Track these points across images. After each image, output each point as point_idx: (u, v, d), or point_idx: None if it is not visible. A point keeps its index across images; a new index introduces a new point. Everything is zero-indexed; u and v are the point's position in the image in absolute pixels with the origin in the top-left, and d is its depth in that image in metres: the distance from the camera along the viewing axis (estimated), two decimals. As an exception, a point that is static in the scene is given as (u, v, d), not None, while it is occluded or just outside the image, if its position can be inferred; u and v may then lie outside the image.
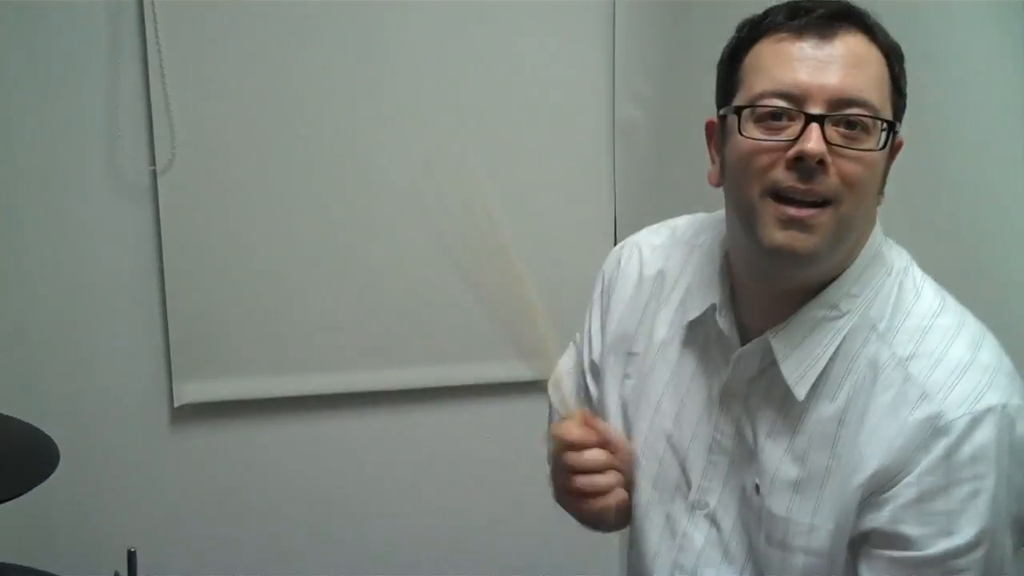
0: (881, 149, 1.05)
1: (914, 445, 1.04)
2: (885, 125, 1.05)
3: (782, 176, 1.04)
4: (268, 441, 2.30)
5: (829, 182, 1.03)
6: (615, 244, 2.31)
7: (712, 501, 1.20)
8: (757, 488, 1.14)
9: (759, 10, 1.12)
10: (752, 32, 1.10)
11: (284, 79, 2.14)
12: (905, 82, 1.10)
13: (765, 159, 1.05)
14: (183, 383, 2.21)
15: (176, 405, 2.21)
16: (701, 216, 1.31)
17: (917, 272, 1.16)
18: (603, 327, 1.34)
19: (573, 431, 1.22)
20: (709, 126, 1.17)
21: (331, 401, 2.31)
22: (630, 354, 1.29)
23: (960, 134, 1.54)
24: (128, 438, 2.22)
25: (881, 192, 1.11)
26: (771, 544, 1.13)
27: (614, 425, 1.30)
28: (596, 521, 1.26)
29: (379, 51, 2.18)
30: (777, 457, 1.13)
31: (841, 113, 1.03)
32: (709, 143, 1.18)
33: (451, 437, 2.40)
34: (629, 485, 1.25)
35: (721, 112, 1.14)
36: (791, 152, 1.03)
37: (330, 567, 2.33)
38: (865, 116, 1.04)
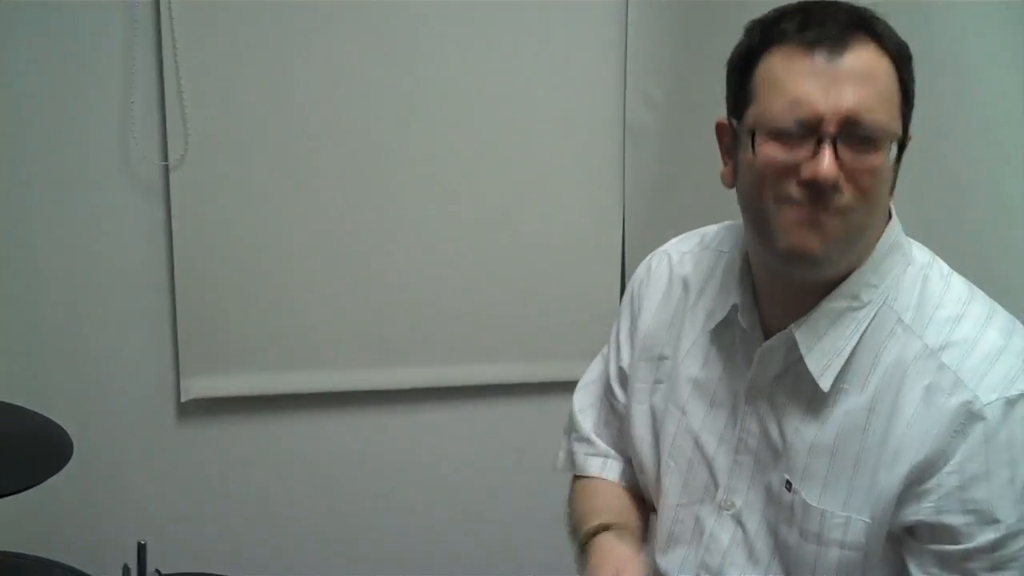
0: (891, 163, 1.07)
1: (951, 432, 1.05)
2: (895, 140, 1.07)
3: (794, 190, 1.06)
4: (275, 437, 2.31)
5: (843, 196, 1.05)
6: (623, 248, 2.38)
7: (738, 501, 1.21)
8: (789, 484, 1.15)
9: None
10: (764, 39, 1.10)
11: (296, 77, 2.15)
12: (913, 83, 1.11)
13: (779, 179, 1.07)
14: (191, 378, 2.22)
15: (183, 400, 2.22)
16: (728, 223, 1.32)
17: (943, 265, 1.17)
18: (632, 334, 1.35)
19: None
20: (720, 127, 1.18)
21: (338, 398, 2.32)
22: (661, 358, 1.30)
23: (966, 135, 1.55)
24: (136, 432, 2.23)
25: (892, 188, 1.12)
26: (806, 539, 1.14)
27: (641, 432, 1.31)
28: None
29: (391, 51, 2.18)
30: (806, 451, 1.14)
31: (852, 133, 1.04)
32: (720, 143, 1.19)
33: (457, 437, 2.41)
34: None
35: (733, 124, 1.14)
36: (805, 174, 1.05)
37: (336, 562, 2.34)
38: (876, 134, 1.05)
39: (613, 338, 1.39)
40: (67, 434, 1.51)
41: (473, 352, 2.36)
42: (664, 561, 1.30)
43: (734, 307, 1.21)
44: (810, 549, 1.14)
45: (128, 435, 2.23)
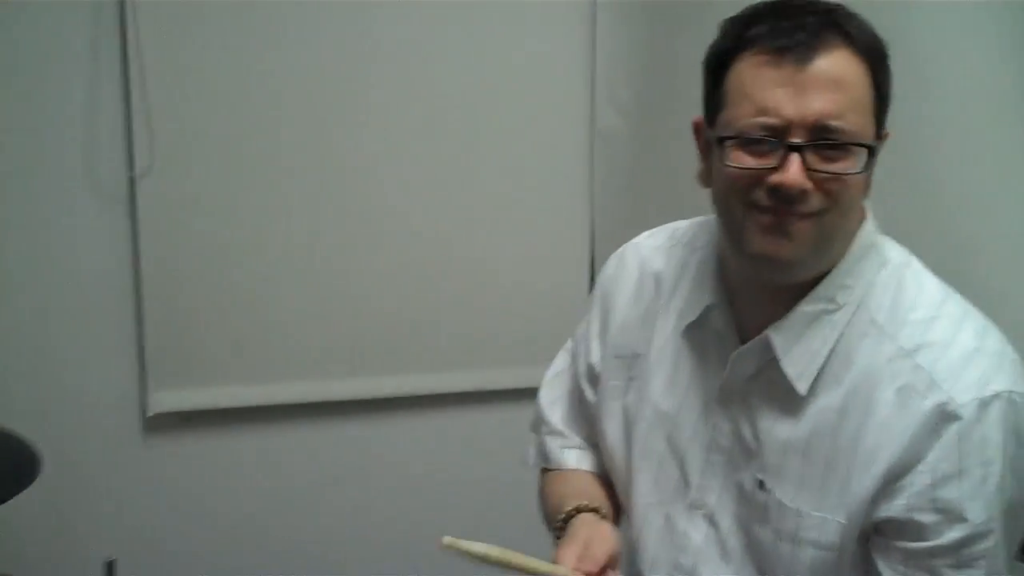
0: (862, 172, 1.06)
1: (926, 432, 1.05)
2: (865, 148, 1.06)
3: (762, 197, 1.06)
4: (243, 450, 2.29)
5: (811, 202, 1.05)
6: (591, 252, 2.38)
7: (711, 500, 1.21)
8: (761, 484, 1.15)
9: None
10: (735, 43, 1.09)
11: (264, 85, 2.13)
12: (889, 82, 1.11)
13: (747, 180, 1.07)
14: (157, 392, 2.19)
15: (150, 414, 2.19)
16: (700, 219, 1.31)
17: (917, 265, 1.17)
18: (603, 331, 1.34)
19: None
20: (697, 126, 1.18)
21: (308, 410, 2.30)
22: (634, 356, 1.29)
23: (939, 133, 1.56)
24: (102, 447, 2.20)
25: (867, 187, 1.12)
26: (781, 538, 1.14)
27: (613, 431, 1.31)
28: None
29: (360, 57, 2.18)
30: (780, 451, 1.14)
31: (820, 140, 1.04)
32: (698, 142, 1.18)
33: (425, 446, 2.40)
34: None
35: (705, 131, 1.14)
36: (772, 180, 1.04)
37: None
38: (845, 141, 1.05)
39: (582, 334, 1.38)
40: (35, 450, 1.49)
41: (440, 359, 2.35)
42: (633, 558, 1.29)
43: (708, 307, 1.21)
44: (785, 548, 1.14)
45: (95, 450, 2.19)
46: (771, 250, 1.06)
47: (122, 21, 2.03)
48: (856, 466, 1.09)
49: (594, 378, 1.35)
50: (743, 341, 1.17)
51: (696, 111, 1.17)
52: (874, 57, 1.08)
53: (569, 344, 1.43)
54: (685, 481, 1.23)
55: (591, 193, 2.38)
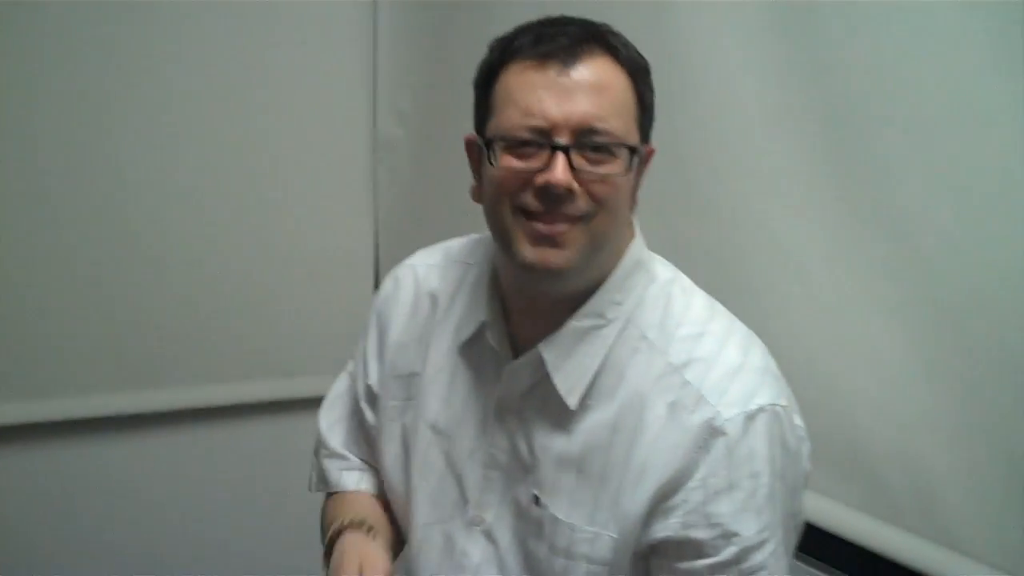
0: (626, 173, 1.09)
1: (695, 448, 1.07)
2: (630, 150, 1.09)
3: (530, 200, 1.07)
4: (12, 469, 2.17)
5: (578, 204, 1.07)
6: (376, 262, 2.36)
7: (489, 517, 1.20)
8: (537, 499, 1.16)
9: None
10: (502, 56, 1.11)
11: (30, 86, 2.02)
12: (652, 96, 1.14)
13: (515, 182, 1.08)
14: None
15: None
16: (475, 236, 1.32)
17: (686, 281, 1.20)
18: (381, 351, 1.32)
19: None
20: (468, 144, 1.18)
21: (83, 425, 2.20)
22: (411, 375, 1.28)
23: (714, 153, 1.61)
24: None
25: (633, 200, 1.15)
26: (555, 553, 1.14)
27: (392, 451, 1.29)
28: None
29: (128, 59, 2.09)
30: (554, 466, 1.15)
31: (585, 142, 1.06)
32: (471, 160, 1.19)
33: (211, 459, 2.34)
34: None
35: (478, 140, 1.15)
36: (539, 181, 1.06)
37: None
38: (609, 143, 1.08)
39: (360, 355, 1.36)
40: None
41: (222, 371, 2.29)
42: None
43: (483, 323, 1.21)
44: (559, 563, 1.15)
45: None
46: (541, 259, 1.07)
47: None
48: (628, 481, 1.10)
49: (373, 399, 1.33)
50: (518, 356, 1.18)
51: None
52: (635, 68, 1.11)
53: (350, 366, 1.41)
54: (463, 498, 1.22)
55: (374, 203, 2.36)
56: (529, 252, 1.07)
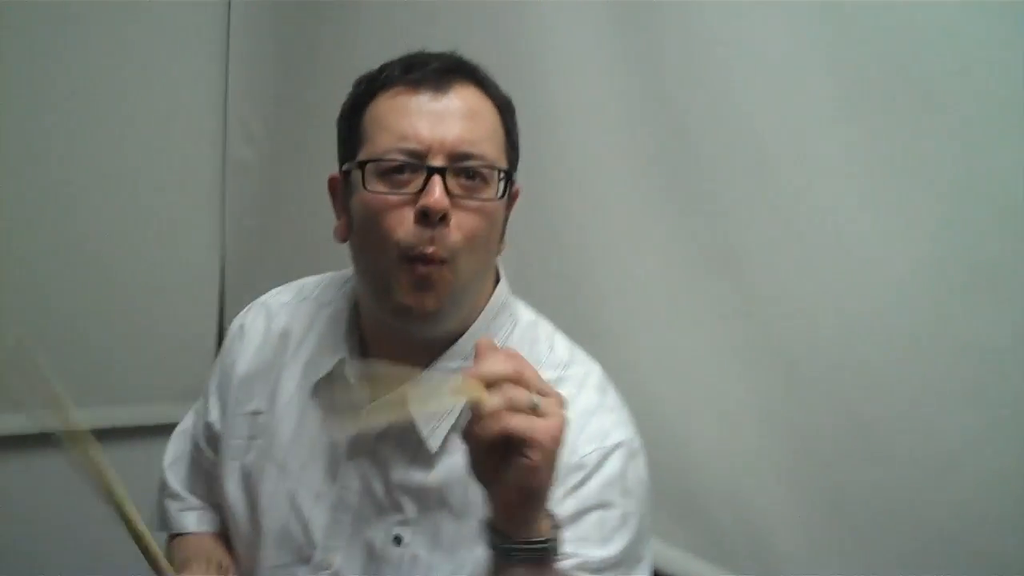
0: (500, 198, 1.10)
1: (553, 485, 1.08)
2: (503, 175, 1.10)
3: (411, 235, 1.06)
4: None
5: (450, 239, 1.06)
6: (222, 286, 2.29)
7: (336, 560, 1.17)
8: (398, 539, 1.13)
9: (373, 62, 1.14)
10: (370, 87, 1.12)
11: None
12: (517, 135, 1.16)
13: (393, 218, 1.06)
14: None
15: None
16: (329, 274, 1.30)
17: (547, 325, 1.22)
18: (223, 389, 1.28)
19: None
20: (332, 182, 1.17)
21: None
22: (255, 413, 1.24)
23: (576, 194, 1.63)
24: None
25: (501, 240, 1.16)
26: None
27: (233, 492, 1.25)
28: None
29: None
30: (413, 505, 1.13)
31: (461, 165, 1.07)
32: (333, 199, 1.17)
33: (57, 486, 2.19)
34: None
35: (344, 168, 1.14)
36: (417, 206, 1.05)
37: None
38: (484, 167, 1.08)
39: (204, 393, 1.33)
40: None
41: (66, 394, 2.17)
42: None
43: (341, 361, 1.19)
44: None
45: None
46: (416, 302, 1.07)
47: None
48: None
49: (213, 438, 1.29)
50: (375, 397, 1.17)
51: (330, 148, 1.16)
52: (503, 103, 1.13)
53: (199, 403, 1.37)
54: (310, 542, 1.18)
55: (223, 231, 2.32)
56: (404, 295, 1.07)
